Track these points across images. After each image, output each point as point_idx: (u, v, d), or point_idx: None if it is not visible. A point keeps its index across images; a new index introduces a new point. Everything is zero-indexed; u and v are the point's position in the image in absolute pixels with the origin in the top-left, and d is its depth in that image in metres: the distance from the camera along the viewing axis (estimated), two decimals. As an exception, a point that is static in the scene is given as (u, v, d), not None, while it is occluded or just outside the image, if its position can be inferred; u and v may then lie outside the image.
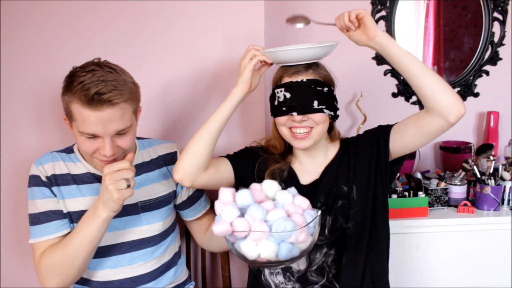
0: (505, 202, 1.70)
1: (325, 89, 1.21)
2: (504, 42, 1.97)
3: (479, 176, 1.68)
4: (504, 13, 1.94)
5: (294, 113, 1.18)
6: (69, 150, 1.30)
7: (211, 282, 1.71)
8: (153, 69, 1.54)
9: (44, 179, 1.24)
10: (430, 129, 1.14)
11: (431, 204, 1.68)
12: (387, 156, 1.23)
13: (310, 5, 1.83)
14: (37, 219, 1.23)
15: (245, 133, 1.62)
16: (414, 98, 1.97)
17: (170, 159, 1.36)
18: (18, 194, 1.54)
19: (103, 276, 1.28)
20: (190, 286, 1.44)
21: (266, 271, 1.28)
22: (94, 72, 1.11)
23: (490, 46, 1.97)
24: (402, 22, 1.91)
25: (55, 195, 1.24)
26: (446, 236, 1.63)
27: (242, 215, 0.98)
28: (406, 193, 1.64)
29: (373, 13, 1.87)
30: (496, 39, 1.96)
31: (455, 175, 1.73)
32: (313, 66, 1.23)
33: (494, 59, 1.98)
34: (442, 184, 1.70)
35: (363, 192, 1.23)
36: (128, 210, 1.28)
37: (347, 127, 1.94)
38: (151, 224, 1.30)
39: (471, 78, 1.99)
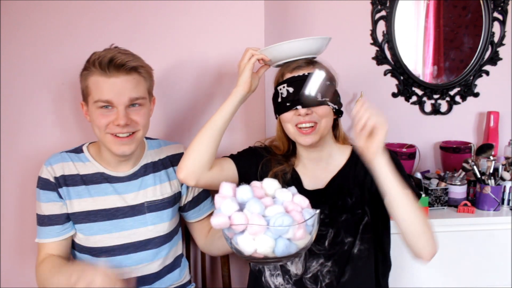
0: (505, 202, 1.70)
1: (327, 82, 1.21)
2: (504, 42, 1.97)
3: (479, 176, 1.68)
4: (504, 13, 1.94)
5: (299, 107, 1.17)
6: (78, 150, 1.32)
7: (211, 282, 1.71)
8: (153, 68, 1.54)
9: (52, 180, 1.26)
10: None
11: (431, 204, 1.68)
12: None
13: (310, 5, 1.83)
14: (42, 220, 1.27)
15: (246, 134, 1.62)
16: (414, 98, 1.97)
17: (176, 160, 1.36)
18: (19, 194, 1.54)
19: None
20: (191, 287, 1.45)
21: (267, 273, 1.28)
22: (110, 50, 1.21)
23: (490, 46, 1.97)
24: (402, 22, 1.91)
25: (61, 197, 1.26)
26: (446, 236, 1.62)
27: (241, 210, 0.99)
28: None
29: (373, 13, 1.87)
30: (496, 39, 1.96)
31: (455, 175, 1.73)
32: (313, 62, 1.23)
33: (494, 59, 1.98)
34: (442, 184, 1.71)
35: (367, 206, 1.23)
36: (135, 210, 1.29)
37: (347, 127, 1.93)
38: (156, 225, 1.31)
39: (471, 78, 1.99)
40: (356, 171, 1.25)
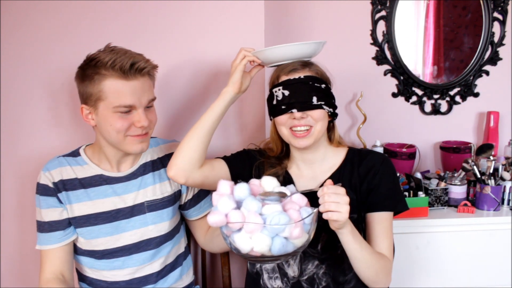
0: (505, 202, 1.70)
1: (323, 85, 1.20)
2: (504, 42, 1.97)
3: (479, 176, 1.68)
4: (504, 13, 1.94)
5: (294, 110, 1.17)
6: (75, 154, 1.31)
7: (211, 282, 1.71)
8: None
9: (51, 185, 1.25)
10: None
11: (431, 204, 1.68)
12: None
13: (310, 5, 1.83)
14: (42, 227, 1.27)
15: (247, 135, 1.62)
16: (414, 98, 1.97)
17: None
18: (19, 194, 1.54)
19: (110, 277, 1.30)
20: None
21: (265, 275, 1.28)
22: (115, 51, 1.19)
23: (490, 46, 1.97)
24: (402, 22, 1.91)
25: (61, 202, 1.25)
26: (446, 236, 1.63)
27: (238, 208, 0.99)
28: (406, 193, 1.64)
29: (373, 13, 1.87)
30: (496, 39, 1.96)
31: (455, 175, 1.73)
32: (309, 64, 1.23)
33: (494, 59, 1.98)
34: (442, 184, 1.70)
35: (359, 211, 1.23)
36: (135, 211, 1.29)
37: (347, 127, 1.94)
38: (157, 224, 1.31)
39: (471, 78, 1.99)
40: (352, 175, 1.25)
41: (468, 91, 2.00)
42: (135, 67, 1.16)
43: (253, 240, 0.96)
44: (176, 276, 1.38)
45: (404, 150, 1.85)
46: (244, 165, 1.31)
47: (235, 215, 0.97)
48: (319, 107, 1.18)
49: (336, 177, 1.26)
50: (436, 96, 1.98)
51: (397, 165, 1.69)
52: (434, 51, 1.98)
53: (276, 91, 1.21)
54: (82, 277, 1.34)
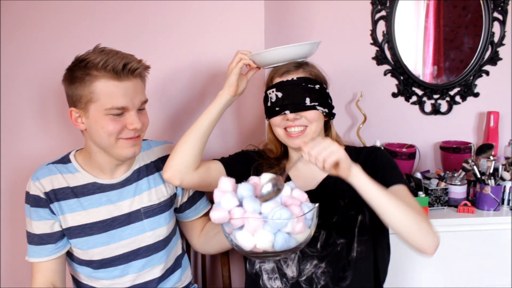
0: (505, 202, 1.70)
1: (317, 86, 1.21)
2: (504, 42, 1.97)
3: (479, 176, 1.68)
4: (504, 13, 1.94)
5: (287, 112, 1.18)
6: (65, 160, 1.25)
7: (211, 282, 1.71)
8: (153, 68, 1.52)
9: (43, 196, 1.20)
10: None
11: (431, 204, 1.68)
12: None
13: (310, 5, 1.83)
14: (32, 239, 1.22)
15: (245, 137, 1.62)
16: (414, 98, 1.97)
17: None
18: (19, 194, 1.54)
19: (110, 284, 1.27)
20: None
21: (265, 276, 1.28)
22: (105, 51, 1.13)
23: (490, 46, 1.97)
24: (402, 22, 1.91)
25: (53, 213, 1.21)
26: (446, 236, 1.62)
27: (241, 205, 0.99)
28: (406, 193, 1.64)
29: (373, 13, 1.87)
30: (496, 39, 1.96)
31: (455, 175, 1.73)
32: (303, 65, 1.23)
33: (494, 59, 1.98)
34: (442, 184, 1.70)
35: (361, 209, 1.22)
36: (131, 218, 1.26)
37: (347, 127, 1.94)
38: (155, 230, 1.28)
39: (471, 78, 1.99)
40: None
41: (468, 91, 2.00)
42: (127, 67, 1.12)
43: (255, 237, 0.96)
44: (176, 279, 1.37)
45: (404, 150, 1.85)
46: (241, 167, 1.31)
47: (238, 212, 0.97)
48: (312, 108, 1.19)
49: (334, 177, 1.25)
50: (436, 96, 1.98)
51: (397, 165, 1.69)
52: (434, 51, 1.98)
53: (270, 93, 1.23)
54: (80, 286, 1.31)
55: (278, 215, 0.95)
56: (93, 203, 1.23)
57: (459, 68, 2.00)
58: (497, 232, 1.64)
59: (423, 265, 1.63)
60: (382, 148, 1.86)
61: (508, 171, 1.69)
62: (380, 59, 1.91)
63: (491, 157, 1.72)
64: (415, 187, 1.68)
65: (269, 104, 1.23)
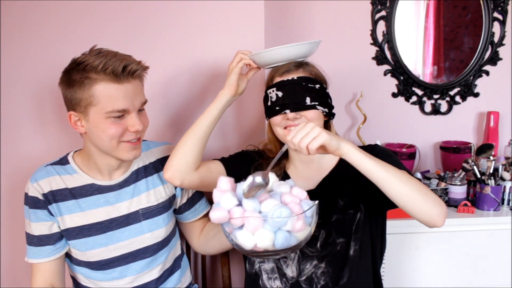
0: (505, 202, 1.70)
1: (317, 86, 1.21)
2: (504, 42, 1.97)
3: (479, 176, 1.68)
4: (504, 13, 1.94)
5: (287, 111, 1.18)
6: (64, 162, 1.25)
7: (211, 282, 1.71)
8: (153, 68, 1.52)
9: (41, 197, 1.20)
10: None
11: (431, 204, 1.68)
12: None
13: (310, 5, 1.83)
14: (31, 240, 1.23)
15: (245, 137, 1.62)
16: (414, 98, 1.97)
17: None
18: (19, 195, 1.54)
19: (109, 286, 1.27)
20: None
21: (264, 276, 1.28)
22: (103, 53, 1.12)
23: (490, 46, 1.97)
24: (402, 22, 1.91)
25: (52, 215, 1.21)
26: (446, 236, 1.63)
27: (241, 204, 0.99)
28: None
29: (373, 13, 1.87)
30: (496, 39, 1.96)
31: (455, 175, 1.73)
32: (303, 64, 1.23)
33: (494, 59, 1.98)
34: (442, 184, 1.71)
35: (358, 207, 1.22)
36: (130, 219, 1.25)
37: (347, 127, 1.94)
38: (153, 231, 1.28)
39: (471, 78, 1.99)
40: (348, 170, 1.24)
41: (468, 91, 2.00)
42: (127, 69, 1.10)
43: (256, 236, 0.96)
44: (175, 280, 1.37)
45: (404, 150, 1.85)
46: (241, 167, 1.30)
47: (237, 212, 0.97)
48: (312, 107, 1.19)
49: (334, 175, 1.26)
50: (436, 96, 1.98)
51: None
52: (434, 51, 1.98)
53: (270, 93, 1.23)
54: (79, 287, 1.31)
55: (278, 214, 0.94)
56: (91, 204, 1.22)
57: (459, 68, 2.00)
58: (497, 232, 1.64)
59: (423, 265, 1.63)
60: (382, 148, 1.87)
61: (508, 171, 1.69)
62: (380, 59, 1.91)
63: (491, 157, 1.72)
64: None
65: (269, 103, 1.23)
